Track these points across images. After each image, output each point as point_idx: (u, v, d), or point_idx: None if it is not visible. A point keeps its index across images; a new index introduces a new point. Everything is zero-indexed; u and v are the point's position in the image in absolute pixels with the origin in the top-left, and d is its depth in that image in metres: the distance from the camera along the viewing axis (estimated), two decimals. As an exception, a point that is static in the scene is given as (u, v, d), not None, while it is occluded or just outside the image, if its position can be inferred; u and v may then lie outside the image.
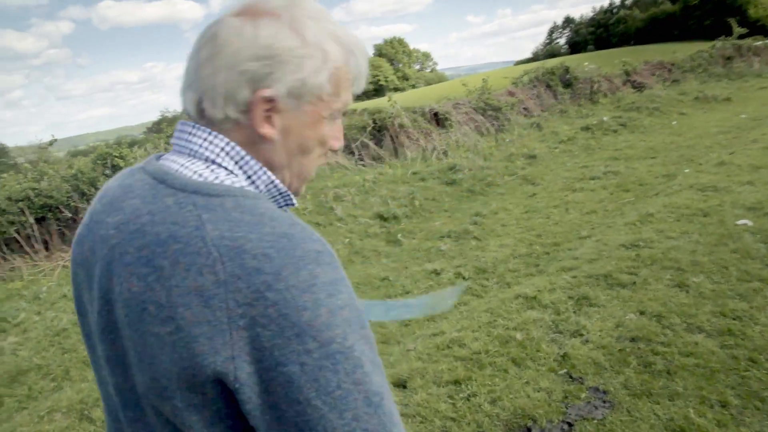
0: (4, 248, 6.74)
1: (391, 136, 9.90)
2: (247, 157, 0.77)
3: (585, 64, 16.56)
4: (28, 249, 6.81)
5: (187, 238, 0.66)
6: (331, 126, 0.82)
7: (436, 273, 4.87)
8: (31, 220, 6.74)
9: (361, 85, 0.84)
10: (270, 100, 0.74)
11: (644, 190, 6.39)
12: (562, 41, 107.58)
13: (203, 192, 0.70)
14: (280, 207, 0.82)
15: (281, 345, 0.62)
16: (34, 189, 6.84)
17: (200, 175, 0.73)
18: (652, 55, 18.07)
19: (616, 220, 5.37)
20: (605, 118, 10.76)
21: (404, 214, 6.72)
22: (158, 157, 0.81)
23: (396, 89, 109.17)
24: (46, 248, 6.97)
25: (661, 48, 28.02)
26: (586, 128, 10.33)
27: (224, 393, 0.66)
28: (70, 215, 6.95)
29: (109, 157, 7.47)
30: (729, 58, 17.27)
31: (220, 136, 0.76)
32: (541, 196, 6.88)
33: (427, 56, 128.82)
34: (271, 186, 0.79)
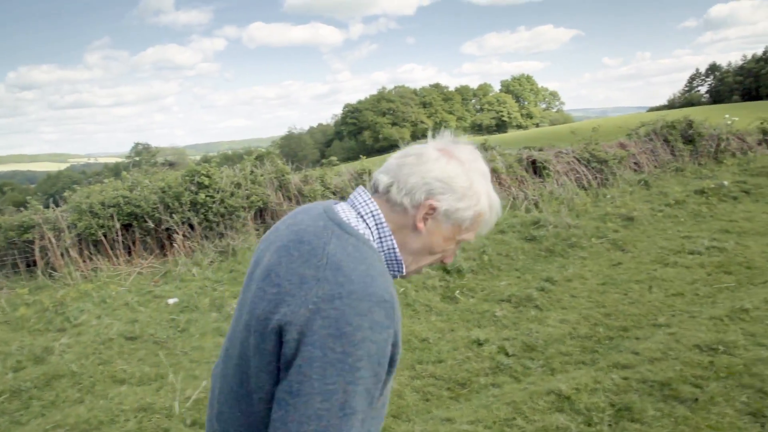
0: (92, 248, 7.12)
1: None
2: (385, 224, 1.12)
3: (726, 116, 15.08)
4: (111, 253, 7.15)
5: (316, 245, 1.02)
6: (453, 249, 1.19)
7: (479, 343, 4.40)
8: (118, 225, 7.06)
9: (484, 232, 1.21)
10: (433, 209, 1.11)
11: (750, 276, 5.48)
12: (703, 89, 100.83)
13: (343, 228, 1.07)
14: (390, 271, 1.14)
15: (323, 335, 0.92)
16: (124, 197, 7.17)
17: (349, 219, 1.10)
18: None
19: (703, 310, 4.60)
20: (726, 182, 9.58)
21: (470, 269, 6.26)
22: (335, 203, 1.17)
23: (519, 126, 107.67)
24: (129, 254, 7.29)
25: None
26: (701, 191, 9.23)
27: (276, 347, 0.97)
28: (153, 225, 7.20)
29: (196, 174, 7.71)
30: None
31: (375, 204, 1.13)
32: (627, 266, 6.14)
33: (554, 95, 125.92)
34: (391, 251, 1.13)
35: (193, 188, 7.47)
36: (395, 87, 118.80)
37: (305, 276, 0.98)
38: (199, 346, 4.63)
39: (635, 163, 11.35)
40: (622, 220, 8.04)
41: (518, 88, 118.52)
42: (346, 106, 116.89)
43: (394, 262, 1.13)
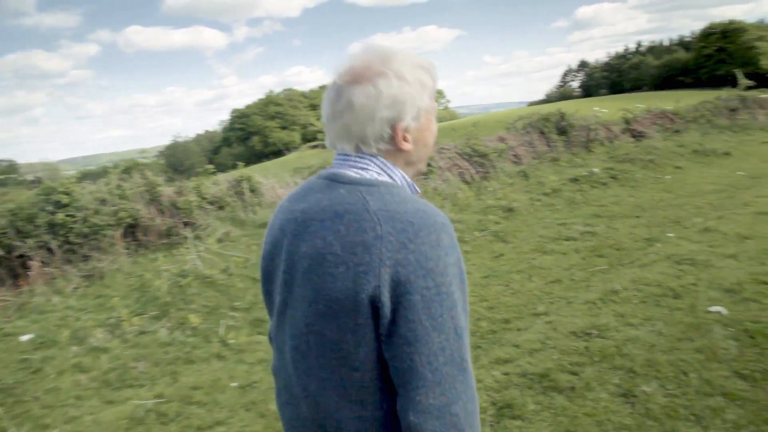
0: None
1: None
2: (388, 164, 1.14)
3: (595, 108, 16.11)
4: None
5: (357, 210, 1.03)
6: (435, 123, 1.23)
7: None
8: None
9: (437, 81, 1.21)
10: (405, 130, 1.13)
11: (619, 257, 5.77)
12: (575, 84, 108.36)
13: (364, 183, 1.08)
14: (413, 193, 1.16)
15: (412, 280, 0.97)
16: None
17: (360, 175, 1.11)
18: (664, 102, 17.58)
19: (579, 294, 4.74)
20: (595, 170, 10.18)
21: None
22: (326, 169, 1.17)
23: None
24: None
25: (674, 95, 27.64)
26: (575, 179, 9.74)
27: (372, 316, 1.00)
28: (2, 253, 6.41)
29: (53, 192, 6.97)
30: (733, 110, 16.70)
31: (368, 155, 1.14)
32: (509, 257, 6.27)
33: (440, 93, 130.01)
34: (403, 180, 1.16)
35: (49, 208, 6.75)
36: (283, 90, 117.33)
37: (366, 241, 0.99)
38: (54, 387, 4.10)
39: (514, 156, 11.78)
40: (503, 211, 8.26)
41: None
42: (234, 111, 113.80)
43: (408, 186, 1.17)
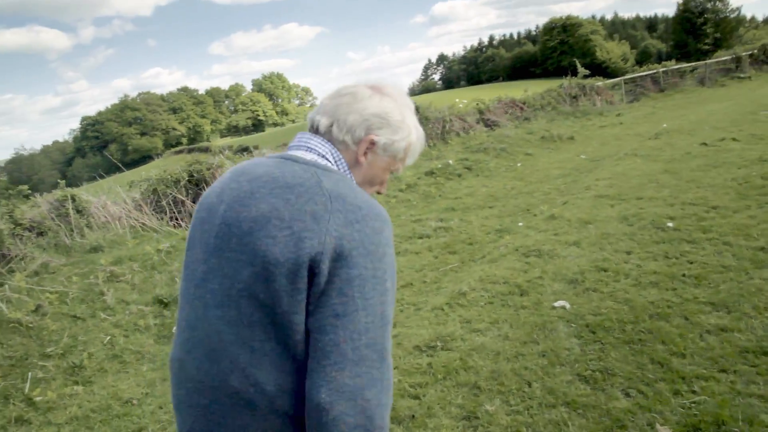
0: None
1: (212, 189, 8.60)
2: (343, 161, 1.19)
3: (456, 100, 16.40)
4: None
5: (309, 184, 1.06)
6: (386, 177, 1.28)
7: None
8: None
9: (412, 161, 1.31)
10: (372, 143, 1.20)
11: (471, 252, 5.63)
12: (436, 77, 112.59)
13: (320, 166, 1.12)
14: None
15: (354, 255, 0.99)
16: None
17: (316, 161, 1.16)
18: (517, 92, 18.37)
19: (428, 299, 4.47)
20: (450, 161, 10.21)
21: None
22: (285, 151, 1.22)
23: (275, 124, 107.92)
24: None
25: (525, 84, 29.26)
26: (431, 173, 9.67)
27: (307, 282, 0.99)
28: None
29: None
30: (575, 97, 17.84)
31: (329, 144, 1.20)
32: (362, 261, 5.91)
33: (306, 91, 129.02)
34: (353, 180, 1.20)
35: None
36: (140, 94, 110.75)
37: (316, 212, 1.01)
38: None
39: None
40: (359, 211, 7.93)
41: (270, 87, 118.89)
42: (85, 118, 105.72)
43: None
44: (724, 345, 3.00)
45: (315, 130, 1.22)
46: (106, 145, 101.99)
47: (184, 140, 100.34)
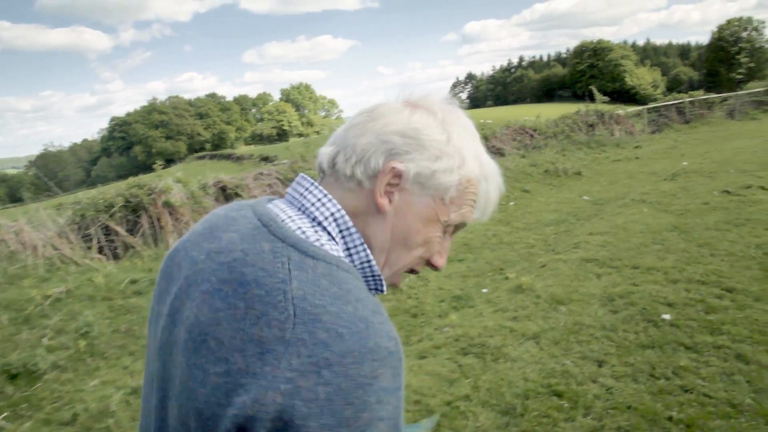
0: None
1: (151, 218, 7.54)
2: (353, 229, 0.75)
3: (481, 121, 15.34)
4: None
5: (270, 287, 0.64)
6: (441, 238, 0.81)
7: None
8: None
9: (485, 216, 0.84)
10: (397, 175, 0.75)
11: (410, 330, 4.40)
12: (464, 96, 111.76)
13: (301, 249, 0.68)
14: (369, 290, 0.78)
15: (312, 427, 0.57)
16: None
17: (303, 232, 0.72)
18: (544, 113, 17.08)
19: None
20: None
21: (56, 366, 4.32)
22: (269, 200, 0.81)
23: (300, 135, 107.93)
24: None
25: (554, 108, 27.96)
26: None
27: None
28: None
29: None
30: (591, 125, 16.50)
31: (334, 201, 0.76)
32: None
33: (332, 103, 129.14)
34: (366, 265, 0.76)
35: None
36: (168, 97, 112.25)
37: (265, 340, 0.61)
38: None
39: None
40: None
41: (298, 97, 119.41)
42: (113, 119, 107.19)
43: (371, 278, 0.77)
44: None
45: (321, 169, 0.81)
46: (131, 146, 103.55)
47: (208, 146, 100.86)
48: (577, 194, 9.51)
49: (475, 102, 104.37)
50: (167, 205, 7.63)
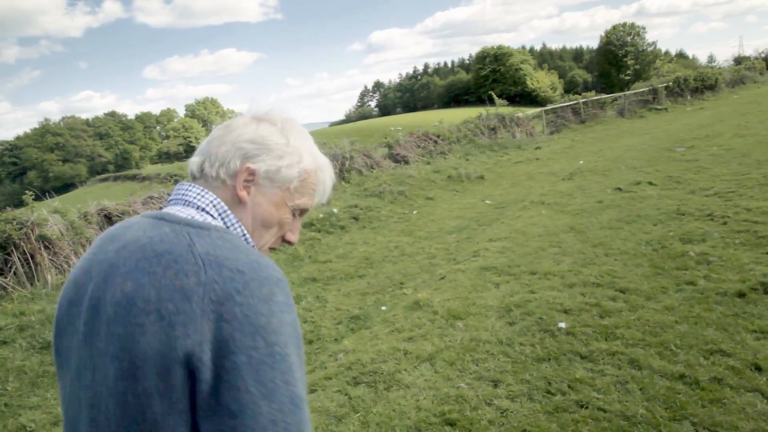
0: None
1: (22, 255, 6.75)
2: (229, 212, 0.94)
3: (391, 128, 15.12)
4: None
5: (179, 250, 0.81)
6: (291, 219, 1.01)
7: None
8: None
9: (323, 199, 1.06)
10: (251, 173, 0.95)
11: (307, 358, 4.07)
12: (372, 104, 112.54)
13: (195, 225, 0.87)
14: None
15: (237, 338, 0.74)
16: None
17: (192, 217, 0.90)
18: (451, 118, 17.12)
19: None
20: (335, 210, 8.68)
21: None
22: (160, 209, 0.98)
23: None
24: None
25: (460, 112, 28.41)
26: (311, 225, 8.12)
27: (187, 380, 0.74)
28: None
29: None
30: (493, 129, 16.84)
31: (210, 193, 0.95)
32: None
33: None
34: (239, 229, 0.95)
35: None
36: (63, 118, 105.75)
37: (186, 287, 0.78)
38: None
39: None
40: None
41: (204, 112, 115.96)
42: (1, 143, 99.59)
43: (245, 239, 0.97)
44: None
45: (192, 176, 1.01)
46: (24, 172, 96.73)
47: (111, 167, 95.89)
48: (479, 199, 9.53)
49: (385, 110, 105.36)
50: (43, 238, 6.87)
